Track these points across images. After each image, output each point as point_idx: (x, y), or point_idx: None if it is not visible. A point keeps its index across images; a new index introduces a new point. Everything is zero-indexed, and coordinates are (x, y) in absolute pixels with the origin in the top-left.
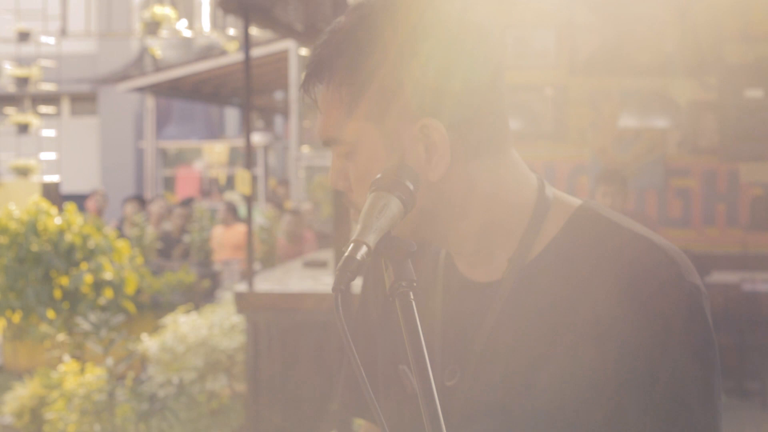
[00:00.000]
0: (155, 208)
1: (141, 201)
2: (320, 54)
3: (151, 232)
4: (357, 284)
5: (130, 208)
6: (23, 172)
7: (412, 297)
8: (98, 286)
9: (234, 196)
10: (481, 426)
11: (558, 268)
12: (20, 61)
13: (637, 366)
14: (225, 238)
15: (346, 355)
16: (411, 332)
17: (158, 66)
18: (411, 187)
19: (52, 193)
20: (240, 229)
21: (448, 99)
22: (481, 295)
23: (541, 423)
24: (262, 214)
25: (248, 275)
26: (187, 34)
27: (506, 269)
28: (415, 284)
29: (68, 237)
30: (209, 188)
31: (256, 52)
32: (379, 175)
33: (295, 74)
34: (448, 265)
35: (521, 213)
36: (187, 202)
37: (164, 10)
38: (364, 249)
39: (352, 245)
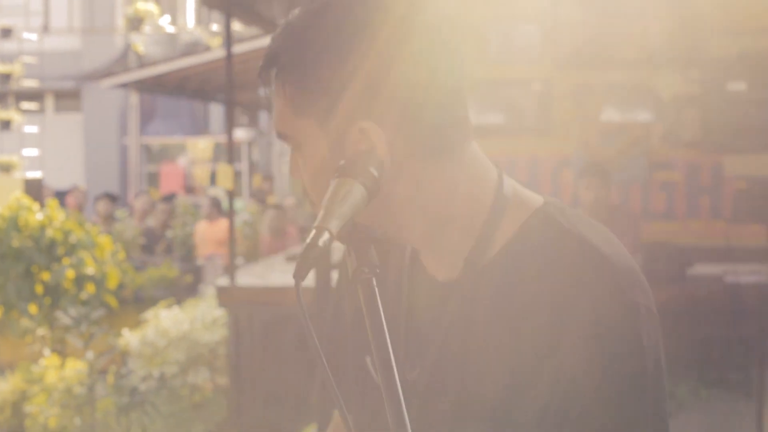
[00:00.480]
0: (139, 203)
1: (112, 198)
2: (271, 47)
3: (133, 227)
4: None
5: (102, 206)
6: (5, 168)
7: (374, 283)
8: (80, 281)
9: (218, 192)
10: (438, 420)
11: (510, 272)
12: (2, 58)
13: (565, 377)
14: (208, 234)
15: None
16: (373, 319)
17: (142, 62)
18: (375, 173)
19: (34, 190)
20: (223, 224)
21: (389, 100)
22: (441, 294)
23: (493, 420)
24: (245, 209)
25: (230, 269)
26: (171, 30)
27: (462, 270)
28: (377, 271)
29: (50, 232)
30: (193, 184)
31: (240, 48)
32: (342, 162)
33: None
34: (414, 261)
35: (477, 211)
36: (169, 198)
37: (147, 6)
38: (326, 235)
39: (313, 232)
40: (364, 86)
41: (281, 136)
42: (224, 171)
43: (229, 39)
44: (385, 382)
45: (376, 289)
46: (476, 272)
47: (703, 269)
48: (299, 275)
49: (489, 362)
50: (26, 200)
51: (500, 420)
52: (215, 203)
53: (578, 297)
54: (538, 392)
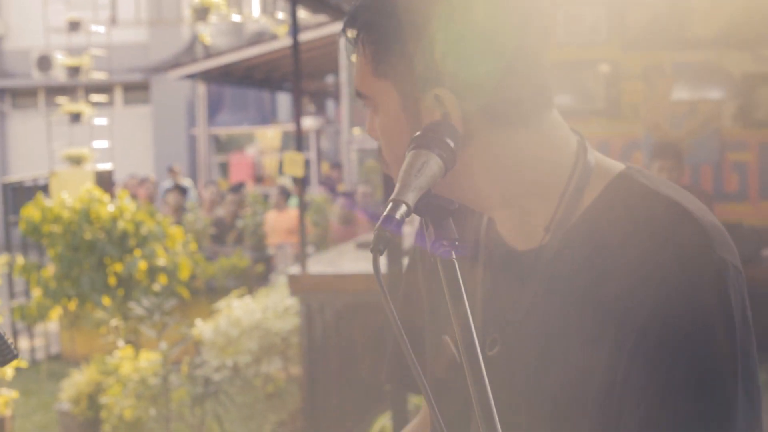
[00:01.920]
0: (207, 194)
1: (182, 190)
2: (353, 6)
3: (203, 217)
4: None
5: (172, 198)
6: (76, 160)
7: (454, 256)
8: (152, 272)
9: (287, 181)
10: (519, 397)
11: (594, 234)
12: (72, 51)
13: (651, 335)
14: (278, 223)
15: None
16: (454, 292)
17: (209, 53)
18: (452, 144)
19: (105, 181)
20: (293, 213)
21: (467, 69)
22: (522, 263)
23: (575, 395)
24: (314, 198)
25: (301, 257)
26: (237, 19)
27: (545, 237)
28: (456, 243)
29: (121, 224)
30: (262, 174)
31: (306, 36)
32: (418, 133)
33: (345, 58)
34: (490, 232)
35: (558, 178)
36: (238, 188)
37: None
38: (403, 208)
39: (390, 204)
40: (442, 52)
41: (360, 95)
42: (293, 159)
43: (295, 27)
44: (468, 358)
45: (456, 262)
46: (559, 238)
47: None
48: (377, 248)
49: (572, 331)
50: (98, 192)
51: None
52: (283, 192)
53: (666, 254)
54: (621, 355)
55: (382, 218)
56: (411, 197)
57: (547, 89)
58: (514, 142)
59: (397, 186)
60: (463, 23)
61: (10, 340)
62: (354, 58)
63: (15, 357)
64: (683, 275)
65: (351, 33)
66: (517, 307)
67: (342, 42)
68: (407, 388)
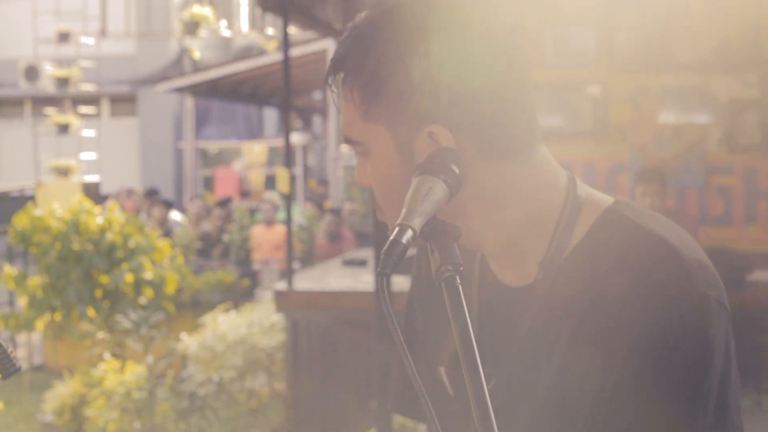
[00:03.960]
0: (194, 208)
1: (167, 203)
2: (338, 52)
3: (189, 231)
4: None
5: (157, 211)
6: (63, 172)
7: (458, 281)
8: (138, 285)
9: (274, 196)
10: (517, 429)
11: (583, 270)
12: (60, 62)
13: (632, 370)
14: (265, 238)
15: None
16: (457, 317)
17: (197, 66)
18: (456, 170)
19: (92, 193)
20: (280, 229)
21: (458, 104)
22: (515, 300)
23: (573, 426)
24: (301, 214)
25: (288, 274)
26: (226, 34)
27: (539, 274)
28: (461, 268)
29: (109, 236)
30: (248, 188)
31: (295, 51)
32: (424, 159)
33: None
34: (483, 268)
35: (548, 214)
36: (225, 203)
37: (203, 10)
38: (409, 232)
39: (397, 229)
40: (432, 90)
41: (349, 141)
42: (282, 175)
43: (286, 43)
44: (472, 384)
45: (460, 287)
46: (552, 274)
47: (762, 275)
48: (384, 272)
49: (568, 365)
50: (87, 203)
51: (582, 422)
52: (275, 208)
53: (648, 290)
54: (608, 386)
55: (388, 242)
56: (417, 222)
57: (536, 124)
58: (508, 178)
59: (404, 211)
60: (454, 60)
61: (12, 353)
62: (341, 104)
63: (17, 370)
64: (664, 311)
65: (337, 78)
66: (512, 342)
67: (325, 89)
68: (417, 419)
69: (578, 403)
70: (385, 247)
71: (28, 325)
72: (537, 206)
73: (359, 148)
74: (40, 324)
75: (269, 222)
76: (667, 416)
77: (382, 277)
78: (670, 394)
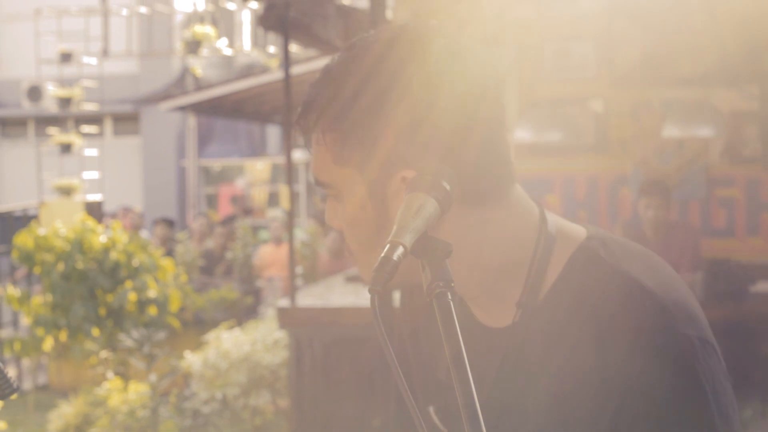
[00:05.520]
0: (197, 226)
1: (169, 222)
2: (310, 94)
3: (193, 249)
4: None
5: (160, 230)
6: (66, 191)
7: (450, 297)
8: (142, 303)
9: (277, 213)
10: None
11: (558, 313)
12: (63, 82)
13: (623, 420)
14: (276, 257)
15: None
16: (449, 332)
17: (199, 85)
18: (447, 187)
19: (95, 212)
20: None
21: (430, 147)
22: (493, 341)
23: None
24: (304, 231)
25: (290, 290)
26: (228, 52)
27: (516, 314)
28: (452, 285)
29: (113, 255)
30: (249, 206)
31: (297, 69)
32: (415, 176)
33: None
34: (463, 309)
35: (522, 255)
36: (229, 220)
37: (205, 29)
38: (400, 249)
39: (388, 246)
40: (405, 134)
41: (320, 183)
42: (284, 192)
43: (287, 60)
44: (463, 399)
45: (452, 303)
46: (528, 316)
47: (765, 287)
48: (375, 289)
49: (541, 407)
50: (90, 222)
51: None
52: (284, 226)
53: (625, 337)
54: (603, 428)
55: (379, 260)
56: (408, 239)
57: (510, 164)
58: (481, 222)
59: (395, 228)
60: (425, 104)
61: (10, 374)
62: (312, 146)
63: (15, 391)
64: (646, 358)
65: (309, 121)
66: (492, 382)
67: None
68: None
69: None
70: (376, 264)
71: (34, 349)
72: (511, 248)
73: (330, 191)
74: (47, 346)
75: (278, 240)
76: None
77: (374, 294)
78: None
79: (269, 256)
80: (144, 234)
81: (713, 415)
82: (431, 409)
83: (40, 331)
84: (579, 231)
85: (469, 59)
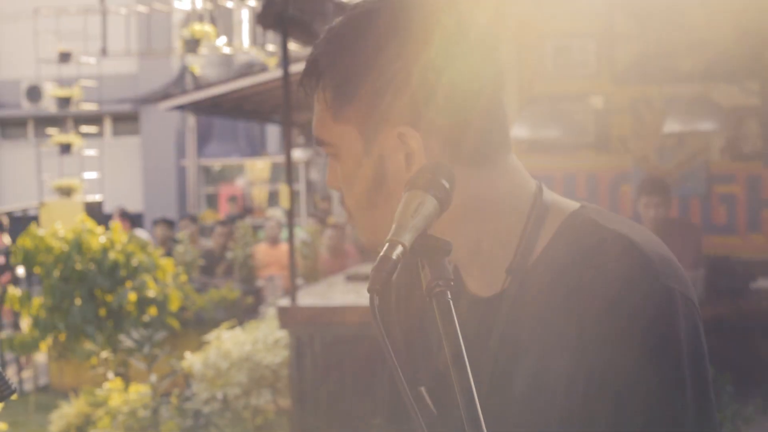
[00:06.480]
0: (186, 229)
1: (169, 223)
2: (313, 53)
3: (193, 249)
4: None
5: (160, 231)
6: (66, 191)
7: (449, 297)
8: (142, 303)
9: (277, 213)
10: None
11: (549, 273)
12: (62, 82)
13: (604, 369)
14: (270, 256)
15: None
16: (449, 332)
17: (199, 84)
18: (447, 185)
19: (95, 212)
20: (285, 248)
21: (429, 107)
22: (486, 311)
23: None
24: (303, 230)
25: (291, 290)
26: (227, 51)
27: (506, 281)
28: (452, 284)
29: (112, 255)
30: (249, 205)
31: (296, 67)
32: (414, 174)
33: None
34: (457, 282)
35: (515, 221)
36: (233, 219)
37: (203, 28)
38: (399, 248)
39: (387, 245)
40: (405, 92)
41: (320, 142)
42: (284, 191)
43: (286, 59)
44: (464, 399)
45: (451, 303)
46: (519, 281)
47: (766, 284)
48: (374, 288)
49: (542, 370)
50: (89, 223)
51: (558, 422)
52: (279, 226)
53: (613, 285)
54: (582, 388)
55: (378, 259)
56: (407, 238)
57: (506, 130)
58: (477, 183)
59: (394, 226)
60: (426, 62)
61: (7, 376)
62: (314, 105)
63: (13, 392)
64: (629, 304)
65: (311, 80)
66: (486, 354)
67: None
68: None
69: (554, 404)
70: (375, 264)
71: (32, 347)
72: (504, 214)
73: (329, 149)
74: (43, 346)
75: (274, 240)
76: (646, 404)
77: (373, 293)
78: (645, 384)
79: (264, 256)
80: (141, 233)
81: (684, 367)
82: (422, 389)
83: (37, 333)
84: (573, 203)
85: (472, 21)
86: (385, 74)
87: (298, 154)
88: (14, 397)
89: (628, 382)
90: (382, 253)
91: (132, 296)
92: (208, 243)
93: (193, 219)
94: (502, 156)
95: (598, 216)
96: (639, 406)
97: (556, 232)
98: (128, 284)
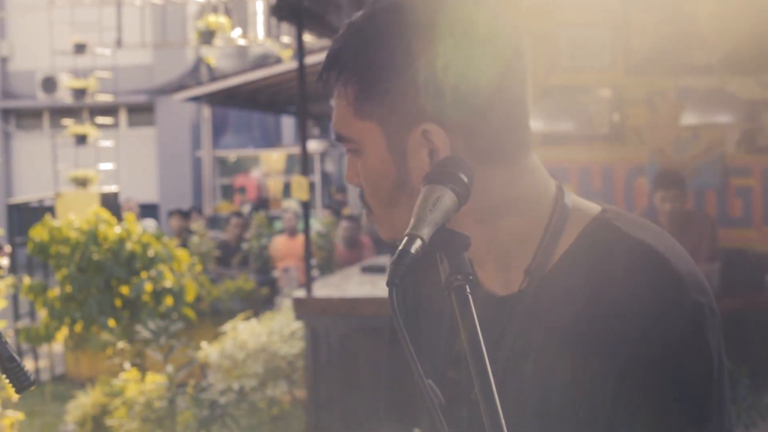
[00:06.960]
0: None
1: (184, 214)
2: (333, 48)
3: (208, 240)
4: None
5: (175, 222)
6: (82, 182)
7: (468, 291)
8: (158, 294)
9: (292, 204)
10: None
11: (570, 279)
12: (77, 73)
13: (630, 380)
14: (288, 248)
15: (390, 356)
16: (468, 326)
17: (214, 75)
18: (465, 179)
19: (110, 203)
20: (302, 239)
21: (453, 104)
22: (501, 309)
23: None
24: (319, 221)
25: (307, 281)
26: (242, 42)
27: (524, 282)
28: (471, 278)
29: (128, 246)
30: (264, 196)
31: (311, 59)
32: (432, 168)
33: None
34: (472, 278)
35: (536, 223)
36: (256, 208)
37: (218, 19)
38: (418, 242)
39: (406, 238)
40: (428, 88)
41: (340, 138)
42: (299, 183)
43: (301, 50)
44: (482, 389)
45: (470, 297)
46: (537, 283)
47: None
48: (393, 281)
49: (555, 372)
50: (105, 214)
51: (572, 428)
52: (297, 217)
53: (642, 299)
54: (604, 397)
55: (397, 252)
56: (426, 232)
57: (528, 131)
58: (498, 183)
59: (412, 220)
60: (449, 58)
61: (26, 367)
62: (334, 100)
63: (32, 384)
64: (661, 319)
65: (331, 75)
66: (500, 351)
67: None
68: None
69: (567, 408)
70: (394, 257)
71: (47, 338)
72: (525, 213)
73: (351, 145)
74: (59, 336)
75: (292, 232)
76: (675, 423)
77: (392, 287)
78: (676, 402)
79: (283, 247)
80: (149, 224)
81: (714, 382)
82: (431, 382)
83: (53, 324)
84: (594, 206)
85: (499, 18)
86: (409, 71)
87: (313, 145)
88: (32, 388)
89: (661, 397)
90: (400, 247)
91: (148, 286)
92: (220, 234)
93: (199, 211)
94: (522, 155)
95: (621, 222)
96: (665, 416)
97: (578, 237)
98: (144, 275)
